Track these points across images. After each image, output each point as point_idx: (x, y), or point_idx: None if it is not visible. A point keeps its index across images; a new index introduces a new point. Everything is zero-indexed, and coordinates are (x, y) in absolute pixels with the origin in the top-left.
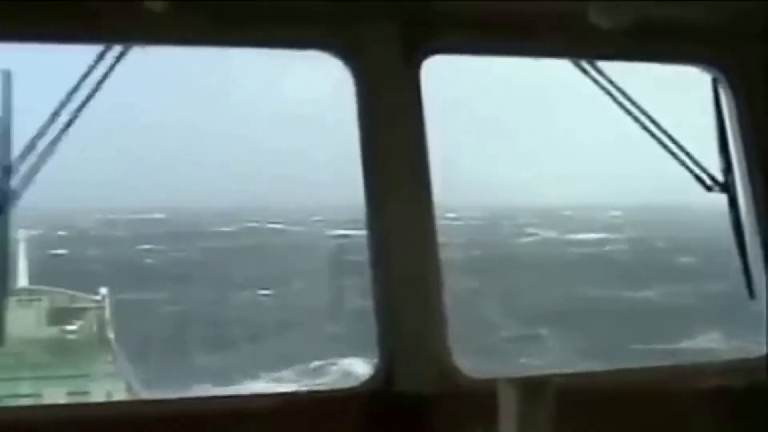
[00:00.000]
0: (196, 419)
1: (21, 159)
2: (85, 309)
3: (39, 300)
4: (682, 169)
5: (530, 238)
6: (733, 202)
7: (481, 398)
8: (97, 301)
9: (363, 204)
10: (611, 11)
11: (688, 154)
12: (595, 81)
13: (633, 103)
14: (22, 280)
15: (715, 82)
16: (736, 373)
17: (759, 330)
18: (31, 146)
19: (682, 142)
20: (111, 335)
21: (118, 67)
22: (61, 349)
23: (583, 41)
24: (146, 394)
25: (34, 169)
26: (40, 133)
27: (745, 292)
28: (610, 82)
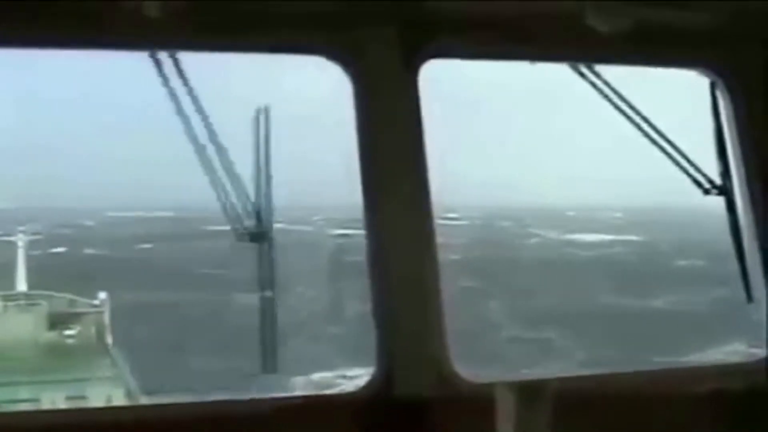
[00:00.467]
0: (195, 424)
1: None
2: (83, 314)
3: (38, 304)
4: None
5: (534, 240)
6: (731, 206)
7: (479, 402)
8: (95, 306)
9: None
10: (609, 15)
11: (685, 157)
12: (593, 84)
13: (631, 106)
14: (21, 284)
15: (712, 85)
16: (735, 376)
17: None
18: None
19: (681, 146)
20: (109, 340)
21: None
22: (60, 353)
23: (582, 45)
24: (145, 399)
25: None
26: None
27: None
28: (608, 85)
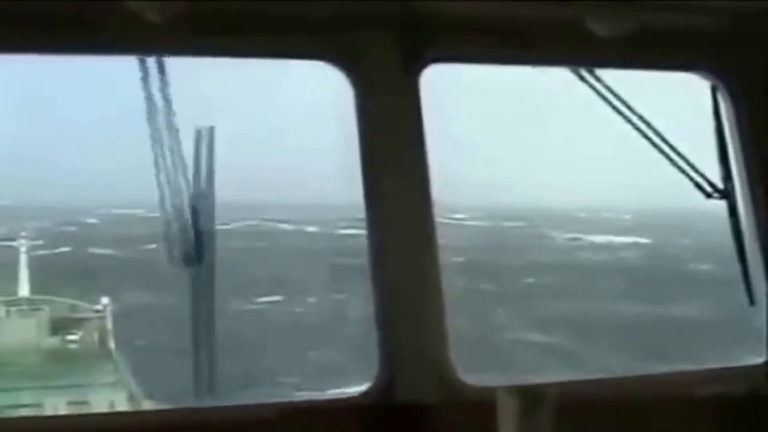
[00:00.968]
0: (197, 429)
1: None
2: (86, 319)
3: (40, 309)
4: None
5: (575, 243)
6: (732, 209)
7: (481, 407)
8: (98, 311)
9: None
10: (610, 19)
11: (687, 160)
12: (594, 89)
13: (632, 110)
14: (24, 289)
15: (714, 89)
16: (736, 379)
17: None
18: None
19: (682, 149)
20: (112, 345)
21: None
22: (62, 358)
23: (582, 49)
24: (148, 404)
25: None
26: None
27: None
28: (609, 89)
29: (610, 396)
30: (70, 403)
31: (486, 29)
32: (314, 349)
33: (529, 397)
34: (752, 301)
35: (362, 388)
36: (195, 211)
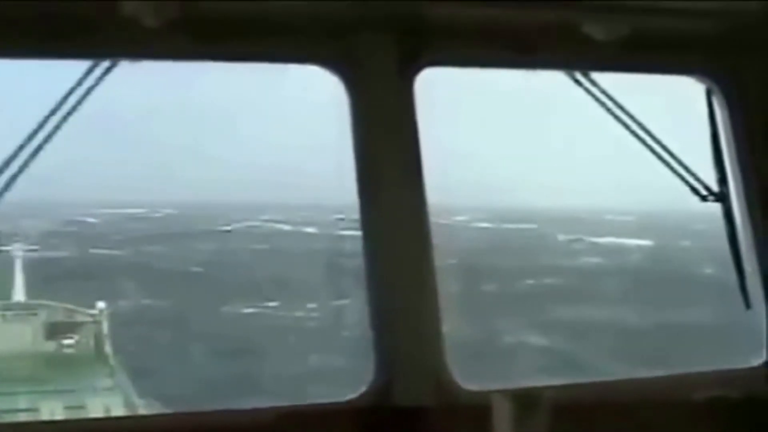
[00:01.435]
0: None
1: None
2: (82, 323)
3: (36, 314)
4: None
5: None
6: (728, 212)
7: (478, 410)
8: (94, 315)
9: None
10: (606, 23)
11: (682, 164)
12: (589, 92)
13: (627, 113)
14: (19, 294)
15: (709, 92)
16: (734, 382)
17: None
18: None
19: (677, 153)
20: (108, 349)
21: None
22: (59, 363)
23: (578, 53)
24: (144, 409)
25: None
26: (22, 144)
27: None
28: (605, 93)
29: (606, 399)
30: (66, 408)
31: (481, 33)
32: (315, 352)
33: (525, 400)
34: (748, 304)
35: (358, 391)
36: None
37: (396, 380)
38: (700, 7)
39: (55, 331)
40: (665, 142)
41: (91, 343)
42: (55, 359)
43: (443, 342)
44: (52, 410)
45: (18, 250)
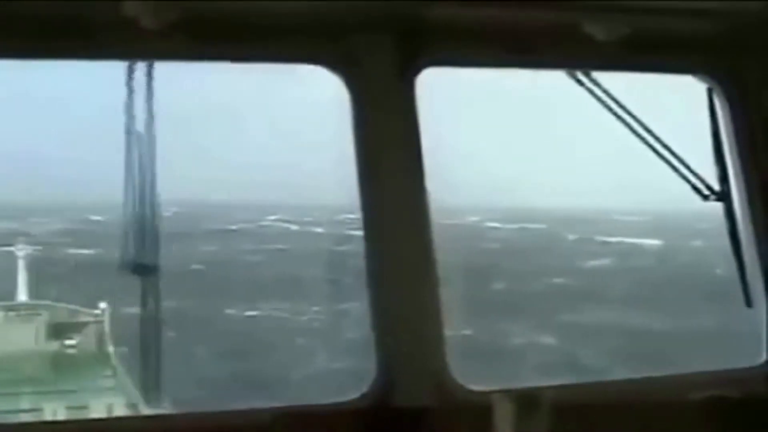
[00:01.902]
0: None
1: None
2: (84, 323)
3: (38, 314)
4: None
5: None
6: (729, 211)
7: (479, 410)
8: (96, 315)
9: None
10: (606, 23)
11: (683, 163)
12: (591, 92)
13: (628, 112)
14: (22, 295)
15: (710, 91)
16: (733, 382)
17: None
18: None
19: (679, 151)
20: (111, 349)
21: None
22: (61, 363)
23: (579, 52)
24: (146, 409)
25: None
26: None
27: None
28: (606, 92)
29: (606, 400)
30: (69, 408)
31: (482, 33)
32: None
33: (526, 400)
34: (749, 303)
35: (359, 392)
36: (143, 219)
37: (397, 380)
38: (700, 6)
39: (57, 331)
40: (667, 140)
41: (94, 343)
42: (58, 359)
43: (444, 342)
44: (55, 410)
45: (21, 250)
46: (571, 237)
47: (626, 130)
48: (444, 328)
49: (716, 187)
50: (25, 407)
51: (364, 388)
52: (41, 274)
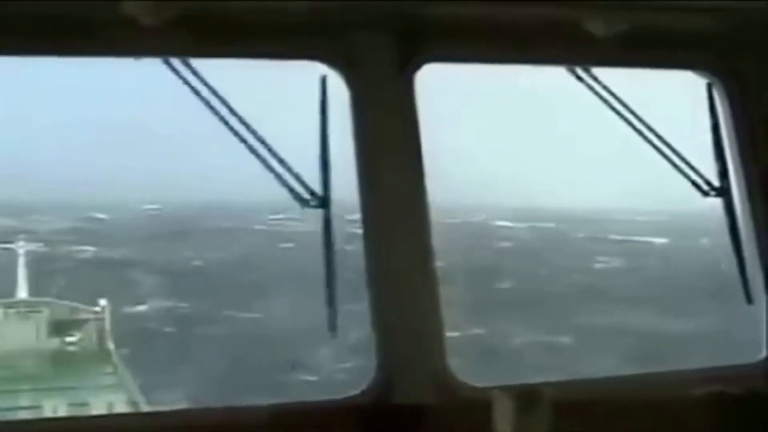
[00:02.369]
0: (195, 431)
1: None
2: (85, 320)
3: (39, 312)
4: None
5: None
6: (729, 207)
7: (478, 407)
8: (96, 313)
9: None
10: (606, 19)
11: (683, 159)
12: (591, 88)
13: (628, 108)
14: (22, 292)
15: (710, 86)
16: (733, 379)
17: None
18: None
19: (679, 148)
20: (111, 346)
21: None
22: (62, 360)
23: (579, 48)
24: (147, 406)
25: None
26: None
27: None
28: (606, 89)
29: (606, 396)
30: (69, 405)
31: (481, 29)
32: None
33: (526, 397)
34: (749, 299)
35: (359, 388)
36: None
37: (397, 377)
38: (700, 2)
39: (58, 328)
40: (666, 136)
41: (94, 340)
42: (59, 357)
43: (444, 339)
44: (55, 408)
45: (21, 248)
46: (580, 235)
47: (627, 128)
48: (443, 326)
49: (716, 183)
50: (26, 404)
51: (364, 386)
52: (41, 271)
